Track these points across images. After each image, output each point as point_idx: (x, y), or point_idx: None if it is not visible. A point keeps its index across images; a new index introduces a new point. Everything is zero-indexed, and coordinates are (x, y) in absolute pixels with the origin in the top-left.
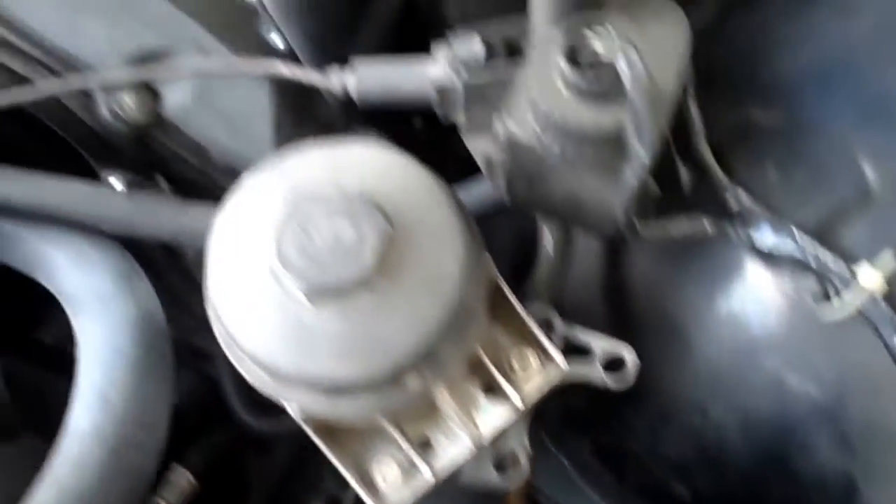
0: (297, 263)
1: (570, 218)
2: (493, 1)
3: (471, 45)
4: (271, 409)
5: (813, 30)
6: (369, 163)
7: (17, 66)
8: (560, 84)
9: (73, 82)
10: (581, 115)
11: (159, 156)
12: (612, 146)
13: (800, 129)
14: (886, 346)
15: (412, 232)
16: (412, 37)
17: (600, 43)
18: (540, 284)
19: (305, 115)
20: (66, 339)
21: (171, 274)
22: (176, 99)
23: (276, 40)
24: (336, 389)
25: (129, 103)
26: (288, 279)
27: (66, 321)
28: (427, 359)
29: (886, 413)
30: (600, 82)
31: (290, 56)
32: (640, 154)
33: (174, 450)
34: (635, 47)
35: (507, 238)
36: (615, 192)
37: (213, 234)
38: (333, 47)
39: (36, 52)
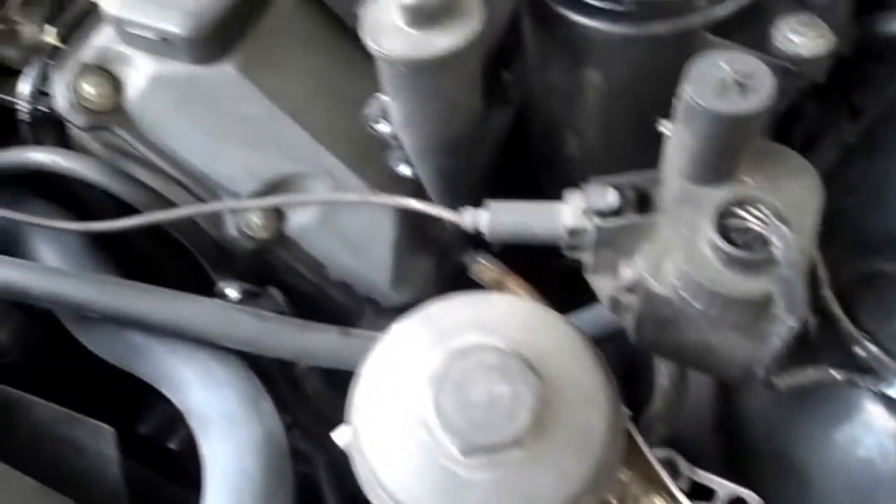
0: (454, 420)
1: (697, 363)
2: (616, 141)
3: (604, 196)
4: None
5: None
6: (518, 317)
7: (160, 186)
8: (708, 251)
9: (213, 206)
10: (731, 284)
11: (276, 268)
12: (756, 309)
13: None
14: None
15: (561, 389)
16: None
17: (751, 217)
18: (657, 418)
19: (424, 238)
20: (162, 431)
21: (280, 380)
22: (301, 219)
23: (405, 170)
24: None
25: (256, 222)
26: (443, 434)
27: (161, 412)
28: None
29: None
30: (750, 253)
31: (415, 182)
32: (790, 322)
33: None
34: (786, 221)
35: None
36: (754, 348)
37: (364, 377)
38: (456, 176)
39: (181, 177)
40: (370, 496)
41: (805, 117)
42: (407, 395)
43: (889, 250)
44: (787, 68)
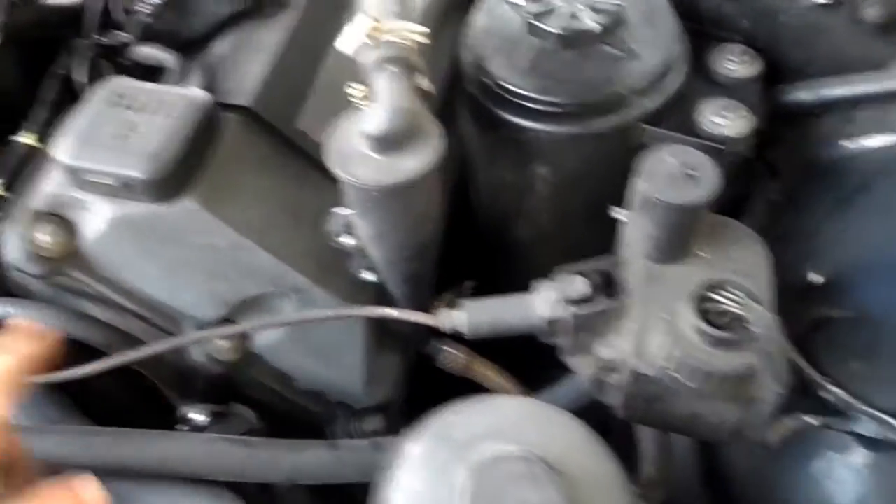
0: None
1: (687, 431)
2: (567, 224)
3: (574, 284)
4: None
5: (858, 230)
6: (529, 420)
7: (118, 321)
8: (691, 333)
9: (180, 341)
10: (718, 362)
11: (241, 385)
12: (742, 380)
13: (872, 322)
14: None
15: (583, 485)
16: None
17: (728, 302)
18: (652, 485)
19: (389, 336)
20: None
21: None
22: (269, 337)
23: (369, 276)
24: None
25: (223, 346)
26: None
27: None
28: None
29: None
30: (733, 334)
31: (377, 286)
32: (776, 389)
33: None
34: (757, 300)
35: None
36: (742, 414)
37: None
38: (422, 279)
39: (141, 310)
40: None
41: (730, 180)
42: None
43: (830, 296)
44: (717, 148)
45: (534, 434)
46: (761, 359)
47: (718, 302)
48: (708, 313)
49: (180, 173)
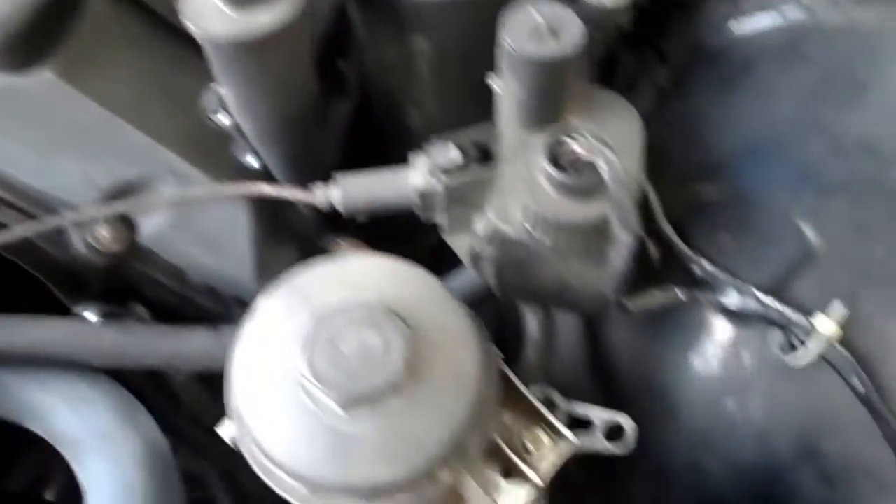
0: (329, 376)
1: (558, 301)
2: (454, 106)
3: (447, 153)
4: None
5: (739, 111)
6: (380, 273)
7: None
8: (546, 185)
9: (50, 222)
10: (569, 211)
11: (134, 282)
12: (597, 234)
13: (743, 199)
14: (849, 385)
15: (429, 335)
16: (368, 142)
17: (578, 146)
18: (531, 366)
19: (280, 227)
20: (34, 485)
21: (158, 398)
22: (152, 226)
23: (251, 160)
24: (375, 492)
25: (104, 235)
26: (322, 392)
27: (31, 466)
28: (457, 452)
29: (858, 446)
30: (583, 180)
31: (264, 173)
32: (626, 240)
33: None
34: (609, 146)
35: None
36: (603, 274)
37: (236, 357)
38: (303, 161)
39: (11, 197)
40: (265, 477)
41: (621, 66)
42: (281, 363)
43: (703, 175)
44: (595, 19)
45: (382, 285)
46: (612, 209)
47: (570, 148)
48: (562, 162)
49: (33, 43)
